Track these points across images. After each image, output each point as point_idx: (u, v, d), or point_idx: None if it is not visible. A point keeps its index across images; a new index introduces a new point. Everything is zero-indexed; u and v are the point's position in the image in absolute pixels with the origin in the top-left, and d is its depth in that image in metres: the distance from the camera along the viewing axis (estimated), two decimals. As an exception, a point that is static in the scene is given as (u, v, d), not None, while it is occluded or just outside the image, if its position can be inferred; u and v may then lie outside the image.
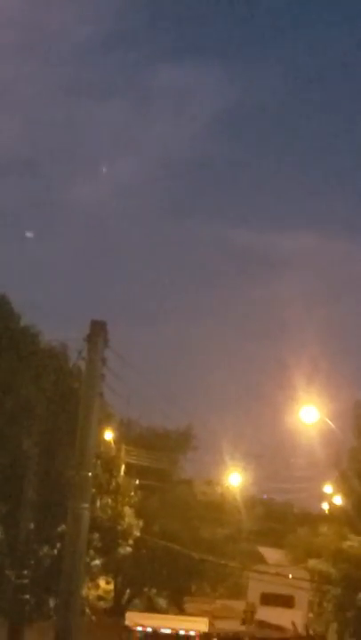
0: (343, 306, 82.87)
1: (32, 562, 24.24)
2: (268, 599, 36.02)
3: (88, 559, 23.62)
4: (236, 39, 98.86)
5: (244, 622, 33.45)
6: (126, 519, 27.57)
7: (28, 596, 23.87)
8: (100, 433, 24.60)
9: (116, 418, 31.62)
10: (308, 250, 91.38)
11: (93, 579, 29.03)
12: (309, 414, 28.39)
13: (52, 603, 24.23)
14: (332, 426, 30.59)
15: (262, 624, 34.27)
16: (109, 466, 27.18)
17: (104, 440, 26.79)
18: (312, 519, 49.67)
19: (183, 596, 41.50)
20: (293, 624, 35.71)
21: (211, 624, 29.33)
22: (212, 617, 30.50)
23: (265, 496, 59.59)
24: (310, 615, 38.30)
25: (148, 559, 38.28)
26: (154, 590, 44.48)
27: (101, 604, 39.49)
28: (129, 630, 29.57)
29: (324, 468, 41.18)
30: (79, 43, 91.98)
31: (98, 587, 34.95)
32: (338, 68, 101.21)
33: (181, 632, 28.76)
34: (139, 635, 29.24)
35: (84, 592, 24.10)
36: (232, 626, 32.19)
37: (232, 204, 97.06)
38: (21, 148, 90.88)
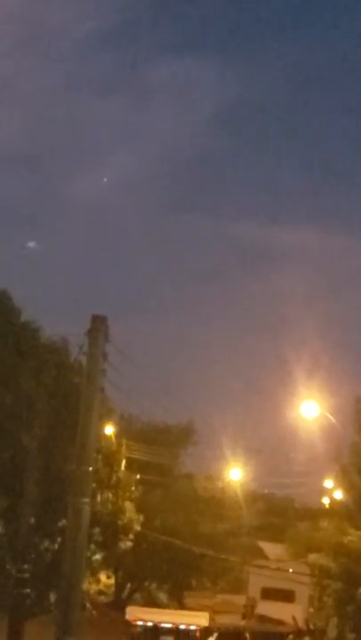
0: (344, 301, 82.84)
1: (33, 556, 24.27)
2: (269, 594, 36.10)
3: (89, 553, 23.61)
4: (237, 35, 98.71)
5: (244, 617, 33.51)
6: (127, 514, 27.57)
7: (28, 591, 23.91)
8: (101, 427, 24.61)
9: (116, 412, 31.62)
10: (308, 245, 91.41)
11: (94, 573, 29.03)
12: (310, 409, 28.43)
13: (52, 597, 24.25)
14: (333, 421, 30.63)
15: (263, 618, 34.33)
16: (110, 460, 27.16)
17: (105, 435, 26.79)
18: (313, 514, 49.72)
19: (184, 590, 41.59)
20: (294, 618, 35.79)
21: (211, 619, 29.37)
22: (213, 611, 30.55)
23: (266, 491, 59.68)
24: (311, 610, 38.39)
25: (148, 554, 38.31)
26: (154, 585, 44.56)
27: (102, 598, 39.54)
28: (130, 625, 29.64)
29: (324, 463, 41.24)
30: (79, 38, 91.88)
31: (98, 581, 34.96)
32: (339, 64, 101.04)
33: (182, 627, 28.78)
34: (139, 629, 29.29)
35: (85, 586, 24.13)
36: (233, 620, 32.24)
37: (232, 199, 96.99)
38: (22, 144, 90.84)
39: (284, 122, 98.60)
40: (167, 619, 29.45)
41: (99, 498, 25.19)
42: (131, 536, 28.10)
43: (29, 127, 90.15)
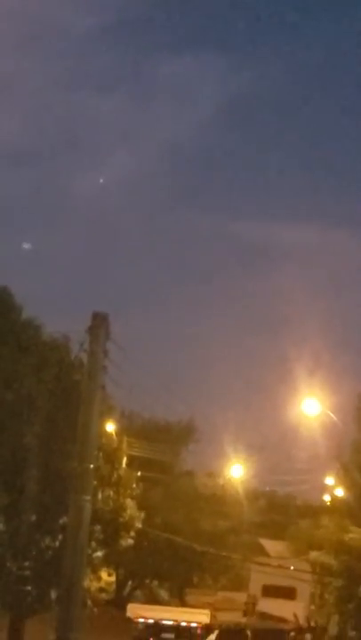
0: (344, 298, 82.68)
1: (34, 553, 24.26)
2: (270, 591, 36.14)
3: (90, 551, 23.58)
4: (239, 30, 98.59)
5: (245, 614, 33.58)
6: (128, 511, 27.54)
7: (29, 588, 23.91)
8: (102, 425, 24.58)
9: (117, 410, 31.61)
10: (309, 242, 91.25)
11: (95, 570, 29.01)
12: (311, 407, 28.43)
13: (53, 594, 24.21)
14: (334, 418, 30.61)
15: (264, 616, 34.39)
16: (111, 458, 27.14)
17: (106, 432, 26.76)
18: (314, 511, 49.68)
19: (185, 587, 41.64)
20: (295, 616, 35.83)
21: (212, 616, 29.44)
22: (214, 609, 30.62)
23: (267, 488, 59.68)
24: (312, 607, 38.40)
25: (149, 551, 38.35)
26: (155, 582, 44.61)
27: (103, 595, 39.54)
28: (131, 622, 29.67)
29: (325, 461, 41.19)
30: (79, 36, 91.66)
31: (99, 578, 34.93)
32: (340, 62, 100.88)
33: (183, 624, 28.86)
34: (140, 626, 29.33)
35: (86, 584, 24.09)
36: (234, 618, 32.30)
37: (234, 196, 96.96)
38: (22, 142, 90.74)
39: (285, 120, 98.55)
40: (168, 616, 29.54)
41: (100, 495, 25.17)
42: (132, 533, 28.09)
43: (29, 125, 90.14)
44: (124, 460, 28.54)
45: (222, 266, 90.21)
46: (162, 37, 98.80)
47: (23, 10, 76.17)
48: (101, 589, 38.75)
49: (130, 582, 44.23)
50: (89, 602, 25.42)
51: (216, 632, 29.22)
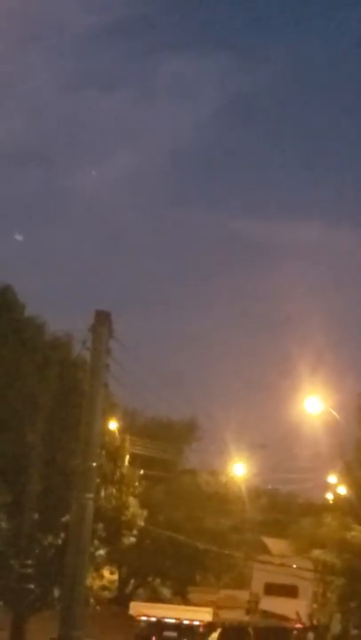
0: (347, 296, 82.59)
1: (36, 551, 24.29)
2: (272, 589, 36.10)
3: (92, 549, 23.60)
4: (242, 28, 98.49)
5: (248, 612, 33.54)
6: (130, 509, 27.57)
7: (32, 586, 23.94)
8: (105, 423, 24.59)
9: (120, 408, 31.62)
10: (311, 240, 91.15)
11: (98, 569, 29.04)
12: (314, 405, 28.42)
13: (56, 592, 24.26)
14: (337, 416, 30.60)
15: (266, 614, 34.36)
16: (114, 456, 27.16)
17: (108, 430, 26.77)
18: (316, 509, 49.65)
19: (187, 586, 41.57)
20: (297, 614, 35.82)
21: (215, 614, 29.40)
22: (217, 607, 30.57)
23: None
24: (314, 605, 38.37)
25: (152, 549, 38.36)
26: (158, 580, 44.62)
27: (106, 593, 39.57)
28: (133, 620, 29.66)
29: (328, 459, 41.18)
30: (82, 34, 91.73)
31: (102, 577, 34.97)
32: (342, 61, 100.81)
33: (185, 622, 28.82)
34: (143, 624, 29.32)
35: (89, 582, 24.10)
36: (236, 616, 32.27)
37: (236, 194, 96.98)
38: (25, 140, 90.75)
39: (287, 118, 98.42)
40: (171, 614, 29.50)
41: (102, 493, 25.19)
42: (134, 531, 28.11)
43: (33, 123, 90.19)
44: (127, 459, 28.56)
45: (224, 264, 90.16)
46: (165, 36, 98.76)
47: (24, 9, 76.21)
48: (104, 587, 38.77)
49: (132, 580, 44.25)
50: (91, 600, 25.47)
51: (219, 630, 29.18)
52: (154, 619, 29.23)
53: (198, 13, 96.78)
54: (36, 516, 24.06)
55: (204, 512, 43.32)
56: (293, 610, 35.67)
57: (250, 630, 31.75)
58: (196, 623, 28.72)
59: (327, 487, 47.39)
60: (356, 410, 36.44)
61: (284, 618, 35.13)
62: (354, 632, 40.10)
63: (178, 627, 28.82)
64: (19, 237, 49.12)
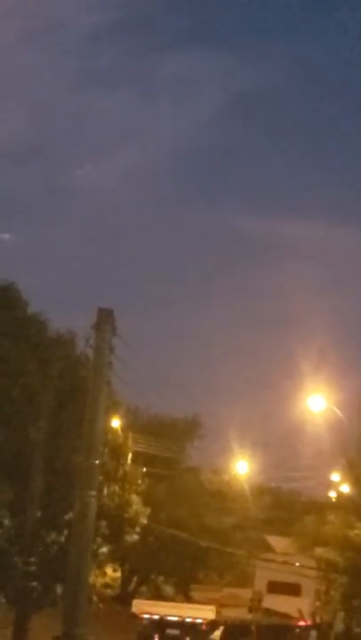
0: (351, 294, 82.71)
1: (39, 549, 24.26)
2: (275, 587, 36.09)
3: (95, 547, 23.59)
4: (244, 26, 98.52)
5: (250, 610, 33.55)
6: (133, 507, 27.56)
7: (35, 583, 23.93)
8: (108, 421, 24.58)
9: (123, 405, 31.59)
10: (315, 238, 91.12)
11: (100, 566, 29.01)
12: (317, 403, 28.36)
13: (59, 590, 24.24)
14: (340, 414, 30.55)
15: (269, 612, 34.37)
16: (117, 453, 27.15)
17: (111, 428, 26.76)
18: (319, 507, 49.66)
19: (190, 583, 41.60)
20: (300, 612, 35.82)
21: (218, 612, 29.41)
22: (219, 605, 30.58)
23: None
24: (317, 603, 38.38)
25: (155, 547, 38.36)
26: (161, 578, 44.62)
27: (108, 591, 39.57)
28: (136, 618, 29.66)
29: (331, 457, 41.18)
30: (85, 31, 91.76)
31: (105, 574, 34.95)
32: (348, 58, 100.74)
33: (188, 620, 28.84)
34: (145, 622, 29.33)
35: (91, 579, 24.08)
36: (239, 614, 32.28)
37: (238, 193, 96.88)
38: (28, 137, 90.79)
39: (288, 117, 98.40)
40: (174, 612, 29.52)
41: (105, 491, 25.18)
42: (137, 529, 28.10)
43: (36, 120, 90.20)
44: (130, 456, 28.54)
45: (226, 263, 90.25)
46: (168, 33, 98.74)
47: (28, 6, 76.19)
48: (107, 585, 38.78)
49: (135, 578, 44.24)
50: (94, 597, 25.43)
51: (221, 628, 29.20)
52: (156, 616, 29.24)
53: (200, 12, 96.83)
54: (39, 513, 24.04)
55: (206, 510, 43.32)
56: (296, 608, 35.67)
57: (252, 628, 31.76)
58: (199, 621, 28.73)
59: (330, 485, 47.41)
60: (360, 408, 36.40)
61: (286, 616, 35.13)
62: (357, 630, 40.10)
63: (180, 624, 28.83)
64: (5, 236, 49.30)
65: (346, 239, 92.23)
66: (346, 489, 42.30)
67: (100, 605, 27.34)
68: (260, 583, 36.71)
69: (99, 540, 24.76)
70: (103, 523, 24.82)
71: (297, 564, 38.12)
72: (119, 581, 43.02)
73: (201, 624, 28.65)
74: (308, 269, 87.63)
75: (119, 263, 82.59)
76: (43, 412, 23.88)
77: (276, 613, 34.65)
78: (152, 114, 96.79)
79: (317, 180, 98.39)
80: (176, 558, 40.19)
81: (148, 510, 29.11)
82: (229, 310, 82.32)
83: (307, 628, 36.30)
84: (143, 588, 44.57)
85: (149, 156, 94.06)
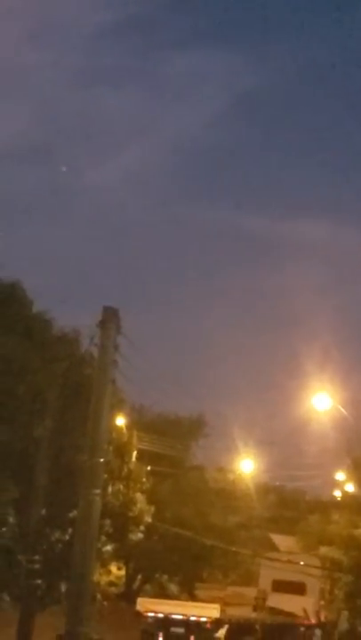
0: (355, 294, 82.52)
1: (44, 547, 24.30)
2: (280, 586, 36.06)
3: (99, 545, 23.61)
4: (249, 26, 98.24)
5: (255, 609, 33.56)
6: (138, 505, 27.58)
7: (39, 581, 23.96)
8: (112, 419, 24.59)
9: (127, 404, 31.60)
10: (320, 238, 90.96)
11: (105, 564, 29.07)
12: (322, 401, 28.31)
13: (63, 588, 24.26)
14: (345, 413, 30.50)
15: (274, 611, 34.36)
16: (121, 452, 27.17)
17: (116, 426, 26.77)
18: (324, 506, 49.65)
19: (195, 582, 41.58)
20: (305, 611, 35.79)
21: (222, 610, 29.41)
22: (224, 603, 30.58)
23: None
24: (322, 602, 38.32)
25: (159, 545, 38.33)
26: (165, 576, 44.54)
27: (113, 589, 39.53)
28: (141, 616, 29.67)
29: (336, 456, 41.13)
30: (91, 30, 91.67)
31: (109, 572, 35.01)
32: (353, 58, 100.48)
33: (193, 618, 28.83)
34: (150, 620, 29.33)
35: (96, 578, 24.13)
36: (243, 612, 32.28)
37: (246, 191, 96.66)
38: (33, 136, 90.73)
39: (295, 115, 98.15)
40: (178, 610, 29.51)
41: (110, 489, 25.20)
42: (142, 527, 28.13)
43: (39, 120, 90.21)
44: (134, 455, 28.56)
45: (230, 262, 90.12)
46: (170, 35, 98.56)
47: (32, 6, 76.19)
48: (111, 583, 38.79)
49: (139, 576, 44.20)
50: (98, 596, 25.47)
51: (226, 627, 29.19)
52: (161, 615, 29.24)
53: (205, 12, 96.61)
54: (44, 511, 24.07)
55: (211, 508, 43.27)
56: (301, 607, 35.64)
57: (257, 627, 31.75)
58: (204, 619, 28.72)
59: (335, 484, 47.38)
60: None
61: (291, 615, 35.11)
62: (361, 629, 40.04)
63: (185, 623, 28.83)
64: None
65: (349, 238, 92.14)
66: (351, 488, 42.28)
67: (105, 603, 27.38)
68: (265, 582, 36.67)
69: (103, 538, 24.79)
70: (107, 521, 24.84)
71: (302, 563, 38.09)
72: (123, 579, 42.98)
73: (205, 622, 28.65)
74: (312, 269, 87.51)
75: (123, 262, 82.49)
76: (47, 410, 23.89)
77: (281, 612, 34.63)
78: (156, 113, 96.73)
79: (320, 180, 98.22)
80: (180, 557, 40.14)
81: (153, 509, 29.12)
82: (233, 310, 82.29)
83: (311, 627, 36.27)
84: (147, 587, 44.52)
85: (153, 156, 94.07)
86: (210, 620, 28.67)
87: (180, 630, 28.83)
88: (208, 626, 28.61)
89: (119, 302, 21.10)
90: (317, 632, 36.87)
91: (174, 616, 29.05)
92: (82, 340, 24.79)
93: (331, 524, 42.65)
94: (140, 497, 27.85)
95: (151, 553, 38.61)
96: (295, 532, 49.76)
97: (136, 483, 27.82)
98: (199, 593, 37.26)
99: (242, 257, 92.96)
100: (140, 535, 28.64)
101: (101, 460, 19.88)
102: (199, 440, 45.78)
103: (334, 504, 46.72)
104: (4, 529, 24.87)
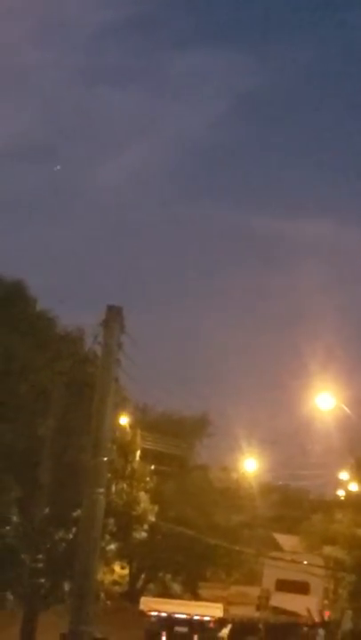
0: (358, 293, 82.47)
1: (47, 546, 24.29)
2: (283, 585, 36.06)
3: (103, 544, 23.61)
4: (251, 26, 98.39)
5: (258, 608, 33.56)
6: (141, 504, 27.59)
7: (43, 580, 23.94)
8: (116, 418, 24.56)
9: (131, 403, 31.59)
10: (324, 238, 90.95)
11: (108, 563, 29.05)
12: (325, 401, 28.28)
13: (66, 587, 24.26)
14: (349, 412, 30.48)
15: (277, 610, 34.37)
16: (125, 451, 27.17)
17: (120, 425, 26.76)
18: (327, 506, 49.61)
19: (198, 581, 41.58)
20: (308, 610, 35.78)
21: (225, 610, 29.42)
22: (227, 602, 30.60)
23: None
24: (325, 602, 38.33)
25: (163, 545, 38.31)
26: (169, 575, 44.54)
27: (116, 588, 39.57)
28: (144, 615, 29.67)
29: (339, 455, 41.09)
30: (95, 29, 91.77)
31: (113, 571, 34.99)
32: (356, 58, 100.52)
33: (196, 617, 28.84)
34: (153, 619, 29.34)
35: (99, 577, 24.12)
36: (247, 612, 32.29)
37: (248, 191, 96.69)
38: (38, 134, 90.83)
39: (297, 115, 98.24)
40: (181, 609, 29.52)
41: (113, 488, 25.19)
42: (145, 527, 28.12)
43: (46, 118, 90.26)
44: (138, 454, 28.56)
45: (236, 261, 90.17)
46: (173, 34, 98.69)
47: (36, 6, 76.20)
48: (115, 582, 38.81)
49: (143, 575, 44.20)
50: (102, 595, 25.50)
51: (229, 626, 29.20)
52: (164, 614, 29.25)
53: (207, 12, 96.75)
54: (47, 510, 24.05)
55: (215, 508, 43.26)
56: (304, 606, 35.64)
57: (260, 626, 31.75)
58: (207, 619, 28.73)
59: (338, 483, 47.34)
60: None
61: (294, 614, 35.10)
62: (365, 628, 40.02)
63: (188, 622, 28.83)
64: None
65: (351, 238, 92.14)
66: (354, 487, 42.24)
67: (108, 602, 27.43)
68: (269, 581, 36.68)
69: (107, 537, 24.78)
70: (111, 520, 24.84)
71: (305, 563, 38.08)
72: (127, 579, 42.98)
73: (209, 622, 28.65)
74: (314, 268, 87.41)
75: (126, 262, 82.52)
76: (51, 408, 23.88)
77: (285, 611, 34.64)
78: (157, 113, 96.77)
79: (321, 180, 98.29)
80: (184, 556, 40.14)
81: (156, 508, 29.13)
82: (235, 309, 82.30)
83: (315, 627, 36.26)
84: (151, 586, 44.52)
85: (154, 156, 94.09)
86: (213, 619, 28.68)
87: (184, 629, 28.84)
88: (211, 625, 28.62)
89: (120, 301, 21.07)
90: (321, 631, 36.85)
91: (178, 615, 29.06)
92: (85, 339, 24.79)
93: (334, 523, 42.61)
94: (143, 496, 27.85)
95: (155, 552, 38.61)
96: (299, 532, 49.76)
97: (140, 482, 27.82)
98: (202, 592, 37.28)
99: (245, 257, 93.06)
100: (144, 534, 28.63)
101: (105, 459, 19.84)
102: (203, 439, 45.80)
103: (338, 503, 46.69)
104: (7, 528, 24.89)
